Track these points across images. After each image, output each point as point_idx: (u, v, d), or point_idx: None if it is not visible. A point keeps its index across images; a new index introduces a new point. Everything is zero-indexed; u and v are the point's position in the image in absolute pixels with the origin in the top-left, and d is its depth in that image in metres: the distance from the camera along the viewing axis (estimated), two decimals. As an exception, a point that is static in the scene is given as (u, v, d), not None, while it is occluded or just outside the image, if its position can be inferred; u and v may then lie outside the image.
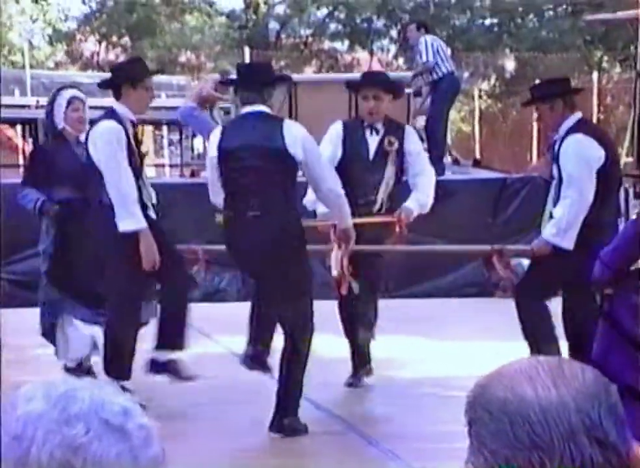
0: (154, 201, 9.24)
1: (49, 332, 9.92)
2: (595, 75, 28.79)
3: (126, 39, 38.37)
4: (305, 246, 8.45)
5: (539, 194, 15.19)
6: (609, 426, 1.88)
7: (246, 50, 26.91)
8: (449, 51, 18.38)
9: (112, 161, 8.69)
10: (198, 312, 12.31)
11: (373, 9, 36.85)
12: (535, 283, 8.93)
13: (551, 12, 36.76)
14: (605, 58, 35.01)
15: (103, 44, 38.76)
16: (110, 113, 8.97)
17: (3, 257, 16.08)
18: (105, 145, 8.73)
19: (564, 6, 35.90)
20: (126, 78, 9.04)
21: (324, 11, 38.50)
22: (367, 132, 9.71)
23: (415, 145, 9.83)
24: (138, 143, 9.17)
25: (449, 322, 11.79)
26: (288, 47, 38.39)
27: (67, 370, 9.77)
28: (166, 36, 37.45)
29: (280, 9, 38.99)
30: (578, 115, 8.80)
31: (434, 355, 10.55)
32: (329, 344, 11.71)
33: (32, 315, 10.61)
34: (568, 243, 8.60)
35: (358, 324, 9.81)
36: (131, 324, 9.12)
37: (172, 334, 9.16)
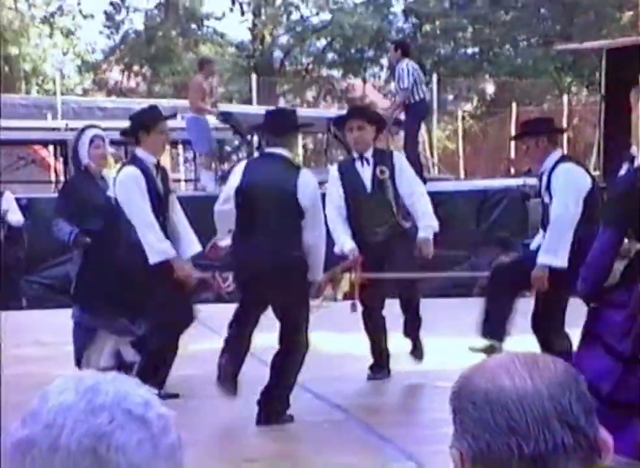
0: (182, 221, 9.31)
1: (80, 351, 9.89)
2: (565, 98, 28.87)
3: (146, 68, 38.43)
4: (304, 271, 8.44)
5: (517, 204, 15.24)
6: (579, 412, 1.88)
7: (253, 76, 26.91)
8: (424, 77, 18.28)
9: (134, 205, 8.81)
10: (210, 311, 12.34)
11: (365, 40, 36.89)
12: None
13: (525, 42, 36.78)
14: (574, 83, 35.03)
15: (126, 73, 38.80)
16: (132, 159, 9.15)
17: (37, 263, 16.10)
18: (126, 190, 8.84)
19: (537, 37, 35.90)
20: (141, 126, 9.14)
21: (322, 42, 38.58)
22: (359, 165, 9.72)
23: (403, 169, 9.79)
24: (166, 179, 9.20)
25: (439, 319, 11.78)
26: (290, 74, 38.44)
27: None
28: (182, 64, 37.52)
29: (284, 39, 39.02)
30: (559, 151, 8.86)
31: (428, 349, 10.53)
32: (329, 341, 11.74)
33: (65, 316, 10.60)
34: (562, 262, 8.59)
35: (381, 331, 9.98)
36: (173, 341, 9.14)
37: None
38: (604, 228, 7.32)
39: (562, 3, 35.06)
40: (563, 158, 8.75)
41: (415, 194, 9.65)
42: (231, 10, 38.88)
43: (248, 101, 26.83)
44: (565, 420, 1.87)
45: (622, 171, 7.83)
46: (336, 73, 39.15)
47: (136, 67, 38.54)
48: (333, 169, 10.13)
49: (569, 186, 8.47)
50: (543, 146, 8.73)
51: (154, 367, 8.94)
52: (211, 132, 18.11)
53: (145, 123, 9.13)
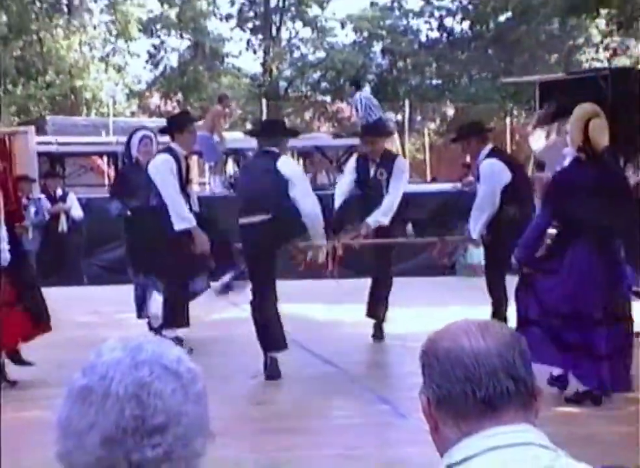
0: (196, 207, 9.30)
1: (140, 306, 9.93)
2: (508, 119, 28.89)
3: (179, 95, 38.46)
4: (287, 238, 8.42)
5: (471, 201, 15.21)
6: (520, 366, 1.89)
7: (263, 101, 26.87)
8: (376, 101, 18.27)
9: (165, 182, 8.79)
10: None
11: (352, 73, 36.93)
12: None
13: (477, 76, 36.77)
14: (515, 108, 35.01)
15: (164, 99, 38.79)
16: (167, 149, 9.11)
17: (95, 249, 16.09)
18: (159, 171, 8.84)
19: (486, 72, 35.91)
20: (176, 126, 9.19)
21: (318, 74, 38.61)
22: (370, 163, 9.77)
23: (397, 173, 9.73)
24: (188, 169, 9.20)
25: (414, 294, 11.76)
26: (293, 99, 38.40)
27: (150, 328, 9.75)
28: (207, 92, 37.62)
29: (287, 72, 38.97)
30: (490, 146, 8.85)
31: (403, 317, 10.53)
32: (324, 310, 11.72)
33: (116, 291, 10.61)
34: (475, 234, 8.70)
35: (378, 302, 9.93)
36: (183, 289, 9.16)
37: (179, 315, 9.19)
38: (541, 209, 7.40)
39: (505, 46, 35.15)
40: (490, 154, 8.74)
41: (390, 194, 9.63)
42: (247, 49, 39.02)
43: (260, 122, 26.75)
44: (509, 372, 1.87)
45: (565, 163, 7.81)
46: (328, 98, 39.11)
47: (171, 95, 38.56)
48: (352, 160, 10.35)
49: (487, 178, 8.49)
50: (475, 144, 8.76)
51: (174, 314, 9.01)
52: (218, 146, 18.13)
53: (179, 124, 9.19)
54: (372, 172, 9.71)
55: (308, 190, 8.40)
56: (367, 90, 17.84)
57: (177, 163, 8.86)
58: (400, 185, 9.80)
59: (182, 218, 8.73)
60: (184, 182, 8.98)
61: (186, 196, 8.99)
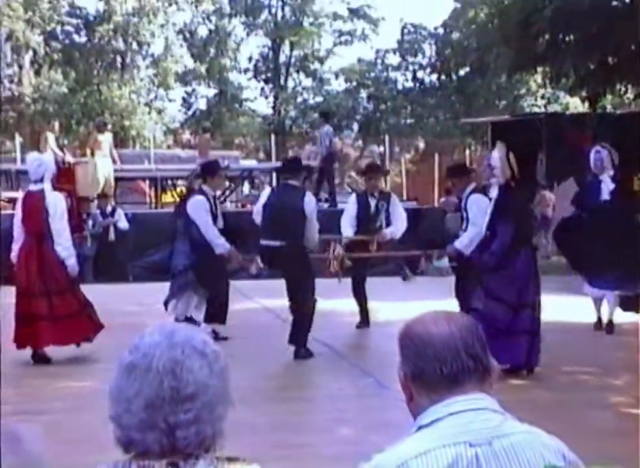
0: (221, 225, 9.22)
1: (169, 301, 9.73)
2: (467, 151, 28.92)
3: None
4: (308, 258, 8.39)
5: (439, 218, 15.16)
6: (478, 347, 1.89)
7: (272, 136, 26.81)
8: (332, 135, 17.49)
9: (202, 218, 8.70)
10: (246, 286, 12.30)
11: (343, 113, 37.08)
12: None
13: (443, 117, 36.76)
14: (473, 143, 35.02)
15: (193, 134, 38.80)
16: (200, 190, 8.95)
17: (138, 254, 16.06)
18: (197, 209, 8.73)
19: (450, 114, 35.89)
20: (207, 172, 9.07)
21: (316, 114, 38.64)
22: (370, 198, 9.76)
23: (394, 205, 9.85)
24: (217, 205, 9.05)
25: (393, 290, 11.69)
26: (296, 134, 38.43)
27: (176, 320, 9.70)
28: (227, 129, 37.81)
29: (292, 113, 38.95)
30: (473, 184, 8.78)
31: (384, 309, 10.50)
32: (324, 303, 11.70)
33: (155, 287, 10.55)
34: (468, 251, 8.64)
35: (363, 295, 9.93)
36: (225, 294, 9.23)
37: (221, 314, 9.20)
38: (504, 226, 7.41)
39: (465, 94, 35.28)
40: (474, 190, 8.68)
41: (397, 219, 9.74)
42: (260, 95, 39.06)
43: (269, 152, 26.77)
44: (469, 352, 1.87)
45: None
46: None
47: (200, 131, 38.59)
48: (353, 196, 10.33)
49: (478, 209, 8.43)
50: (464, 181, 8.73)
51: (216, 313, 9.06)
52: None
53: (210, 172, 9.07)
54: (372, 204, 9.71)
55: (315, 224, 8.36)
56: (327, 125, 17.27)
57: (208, 202, 8.78)
58: (403, 212, 9.92)
59: (219, 244, 8.68)
60: (215, 216, 8.87)
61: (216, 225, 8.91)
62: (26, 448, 1.13)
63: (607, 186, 9.40)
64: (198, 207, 8.75)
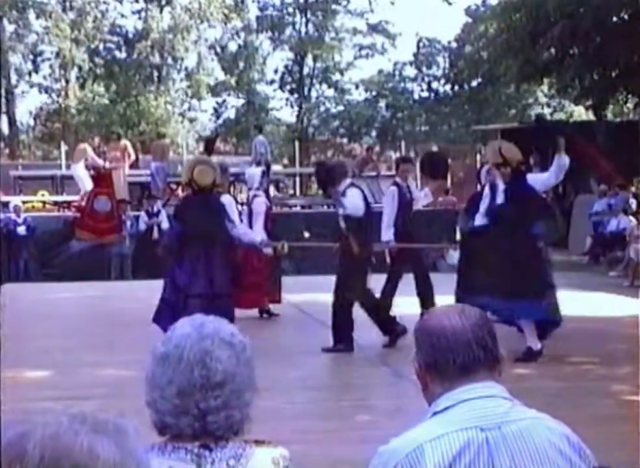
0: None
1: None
2: (478, 156, 28.81)
3: (234, 139, 38.72)
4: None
5: (452, 218, 15.04)
6: (488, 339, 1.88)
7: (296, 143, 26.82)
8: (267, 144, 17.77)
9: (233, 214, 8.38)
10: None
11: (363, 122, 37.07)
12: None
13: (455, 124, 36.63)
14: (483, 148, 34.81)
15: (223, 142, 38.94)
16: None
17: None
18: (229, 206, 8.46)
19: (462, 121, 35.78)
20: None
21: (337, 122, 38.61)
22: (405, 189, 9.17)
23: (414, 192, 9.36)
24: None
25: (405, 285, 11.56)
26: (318, 142, 38.46)
27: None
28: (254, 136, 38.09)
29: (315, 122, 38.96)
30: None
31: (403, 304, 10.39)
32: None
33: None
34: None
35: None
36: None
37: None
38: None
39: (476, 103, 35.16)
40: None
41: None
42: (285, 105, 39.16)
43: (293, 158, 26.79)
44: (480, 344, 1.86)
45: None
46: (345, 141, 39.15)
47: (229, 139, 38.81)
48: (393, 188, 9.27)
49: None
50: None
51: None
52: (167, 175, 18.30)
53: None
54: (410, 194, 9.22)
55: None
56: (261, 136, 17.68)
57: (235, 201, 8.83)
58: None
59: (249, 238, 8.54)
60: (240, 213, 8.91)
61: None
62: (131, 445, 1.10)
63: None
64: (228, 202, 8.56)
